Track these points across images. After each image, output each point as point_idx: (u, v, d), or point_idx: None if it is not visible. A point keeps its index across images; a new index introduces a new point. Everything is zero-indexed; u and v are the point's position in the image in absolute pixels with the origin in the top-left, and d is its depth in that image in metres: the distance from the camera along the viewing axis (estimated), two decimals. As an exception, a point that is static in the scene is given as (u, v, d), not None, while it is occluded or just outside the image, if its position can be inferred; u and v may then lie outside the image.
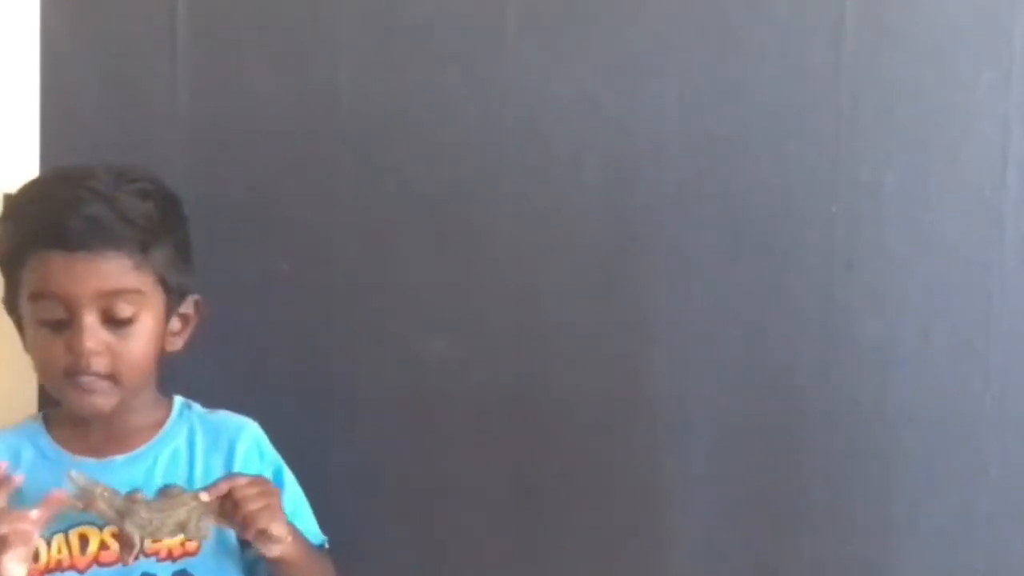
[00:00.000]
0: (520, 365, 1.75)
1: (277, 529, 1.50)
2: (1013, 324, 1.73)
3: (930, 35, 1.71)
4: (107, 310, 1.51)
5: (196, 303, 1.61)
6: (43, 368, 1.56)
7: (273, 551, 1.51)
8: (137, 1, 1.75)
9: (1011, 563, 1.76)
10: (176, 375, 1.63)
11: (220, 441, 1.61)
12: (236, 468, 1.59)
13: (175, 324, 1.59)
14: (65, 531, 1.54)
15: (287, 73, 1.74)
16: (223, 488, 1.51)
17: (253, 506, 1.50)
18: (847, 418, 1.74)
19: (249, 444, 1.61)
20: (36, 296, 1.52)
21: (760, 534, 1.76)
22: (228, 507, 1.51)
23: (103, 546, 1.54)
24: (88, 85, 1.75)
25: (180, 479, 1.57)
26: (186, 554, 1.54)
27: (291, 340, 1.76)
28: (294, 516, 1.59)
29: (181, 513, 1.50)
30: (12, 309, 1.57)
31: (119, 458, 1.58)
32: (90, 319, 1.50)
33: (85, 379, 1.52)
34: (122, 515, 1.48)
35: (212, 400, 1.65)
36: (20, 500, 1.50)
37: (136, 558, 1.51)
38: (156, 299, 1.55)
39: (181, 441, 1.60)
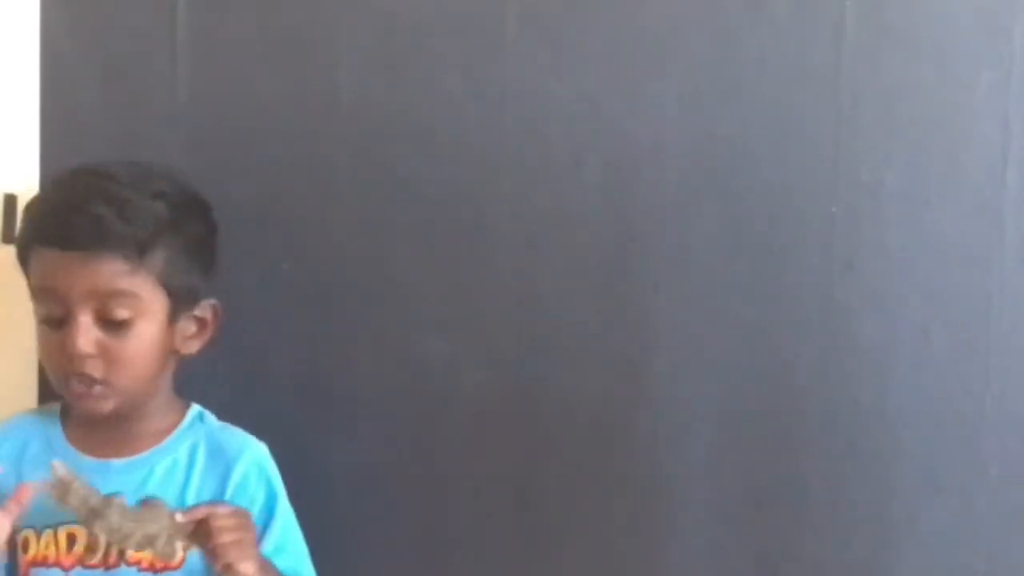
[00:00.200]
0: (520, 365, 1.75)
1: (244, 567, 1.50)
2: (1013, 324, 1.73)
3: (930, 35, 1.71)
4: (102, 311, 1.51)
5: (213, 308, 1.59)
6: (46, 365, 1.56)
7: None
8: (137, 1, 1.75)
9: (1011, 563, 1.76)
10: (176, 374, 1.63)
11: (219, 461, 1.59)
12: (230, 491, 1.57)
13: (189, 327, 1.58)
14: (55, 528, 1.54)
15: (287, 73, 1.74)
16: (200, 514, 1.51)
17: (226, 538, 1.50)
18: (847, 418, 1.74)
19: (246, 468, 1.59)
20: (36, 292, 1.54)
21: (760, 533, 1.76)
22: (202, 534, 1.50)
23: (88, 548, 1.54)
24: (88, 85, 1.75)
25: (174, 493, 1.56)
26: (167, 568, 1.54)
27: (291, 340, 1.76)
28: (279, 551, 1.58)
29: (153, 528, 1.49)
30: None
31: (118, 461, 1.58)
32: (84, 319, 1.50)
33: (79, 382, 1.52)
34: (93, 515, 1.47)
35: (212, 400, 1.65)
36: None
37: (116, 564, 1.52)
38: (156, 303, 1.53)
39: (182, 454, 1.59)
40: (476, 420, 1.76)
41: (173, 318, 1.56)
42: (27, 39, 1.73)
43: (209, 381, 1.67)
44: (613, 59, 1.73)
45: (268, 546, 1.58)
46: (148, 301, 1.53)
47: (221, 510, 1.53)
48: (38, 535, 1.55)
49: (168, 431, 1.60)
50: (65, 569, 1.54)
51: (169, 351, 1.57)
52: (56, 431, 1.60)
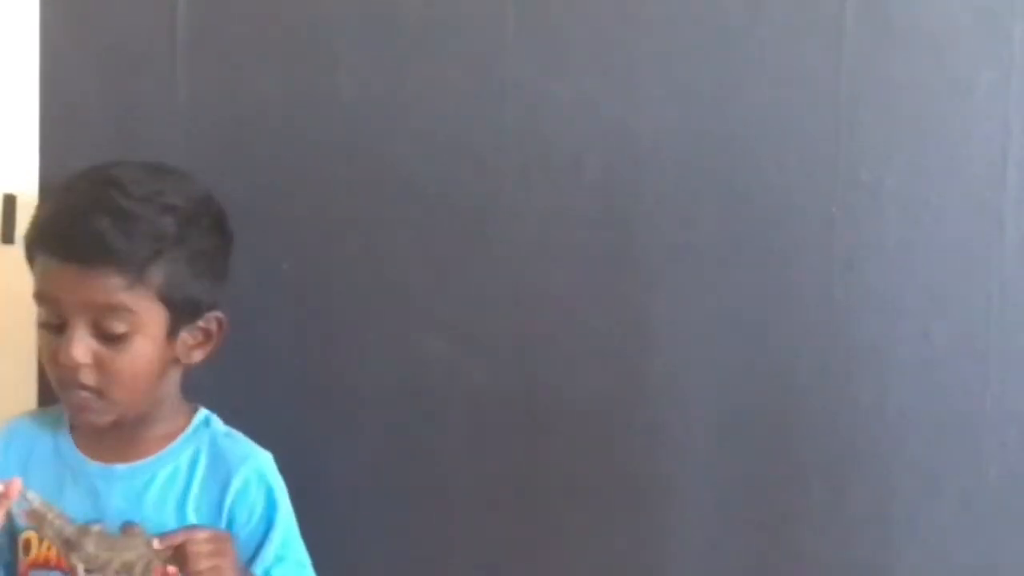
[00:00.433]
0: (520, 365, 1.75)
1: None
2: (1013, 324, 1.73)
3: (930, 35, 1.71)
4: (98, 323, 1.49)
5: (218, 320, 1.57)
6: (47, 371, 1.55)
7: None
8: (137, 1, 1.75)
9: (1011, 563, 1.76)
10: (184, 379, 1.62)
11: (219, 470, 1.58)
12: (229, 498, 1.56)
13: (193, 337, 1.56)
14: None
15: (287, 73, 1.74)
16: (177, 539, 1.50)
17: (202, 564, 1.49)
18: (847, 418, 1.74)
19: (245, 479, 1.58)
20: (36, 297, 1.53)
21: (760, 534, 1.76)
22: (180, 559, 1.50)
23: None
24: (88, 85, 1.75)
25: (174, 500, 1.56)
26: None
27: (291, 340, 1.76)
28: (279, 561, 1.57)
29: (130, 556, 1.48)
30: None
31: (121, 467, 1.57)
32: (80, 330, 1.49)
33: (75, 395, 1.51)
34: (68, 546, 1.47)
35: (211, 400, 1.65)
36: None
37: None
38: (153, 318, 1.51)
39: (184, 461, 1.58)
40: (476, 420, 1.76)
41: (173, 331, 1.54)
42: (27, 39, 1.73)
43: (209, 380, 1.66)
44: (613, 59, 1.72)
45: (268, 556, 1.57)
46: (145, 316, 1.51)
47: (199, 535, 1.51)
48: (39, 538, 1.54)
49: (173, 436, 1.59)
50: (65, 572, 1.53)
51: (170, 362, 1.56)
52: (64, 435, 1.59)
